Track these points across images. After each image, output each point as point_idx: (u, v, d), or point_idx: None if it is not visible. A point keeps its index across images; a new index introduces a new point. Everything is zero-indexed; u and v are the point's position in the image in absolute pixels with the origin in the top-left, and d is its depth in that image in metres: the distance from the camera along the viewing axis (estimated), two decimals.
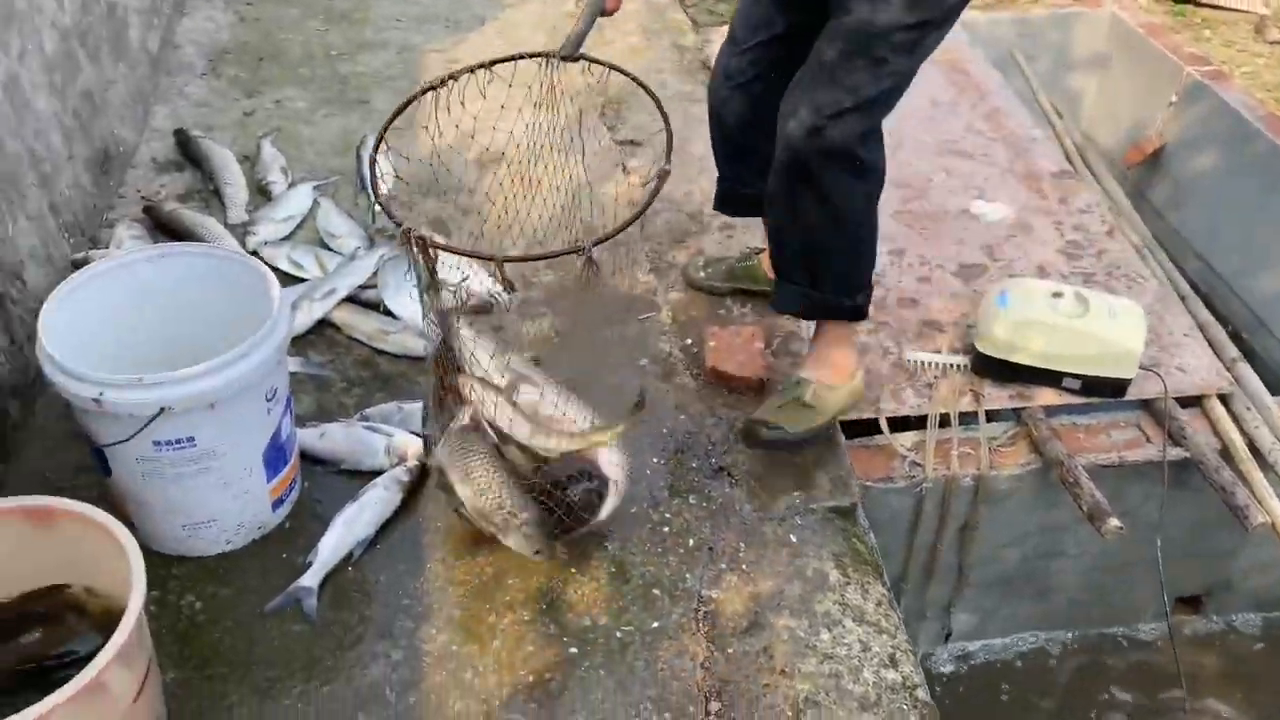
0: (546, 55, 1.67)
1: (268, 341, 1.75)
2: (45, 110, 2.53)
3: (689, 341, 2.44)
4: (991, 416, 2.43)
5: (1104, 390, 2.40)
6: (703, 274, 2.60)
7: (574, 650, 1.77)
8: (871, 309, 2.63)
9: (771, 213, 2.00)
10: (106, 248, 2.58)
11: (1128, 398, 2.42)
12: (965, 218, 3.01)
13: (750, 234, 2.73)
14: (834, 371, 2.15)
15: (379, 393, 2.29)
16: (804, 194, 1.90)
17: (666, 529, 1.99)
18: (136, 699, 1.47)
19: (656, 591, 1.87)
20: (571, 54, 1.68)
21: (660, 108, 1.55)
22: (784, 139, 1.86)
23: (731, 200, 2.38)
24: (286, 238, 2.74)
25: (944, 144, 3.34)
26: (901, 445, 2.35)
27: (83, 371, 1.65)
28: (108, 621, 1.48)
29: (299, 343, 2.38)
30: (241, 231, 2.72)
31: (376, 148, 1.67)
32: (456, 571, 1.90)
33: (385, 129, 1.66)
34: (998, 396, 2.43)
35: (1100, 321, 2.35)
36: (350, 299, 2.50)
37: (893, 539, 2.41)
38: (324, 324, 2.45)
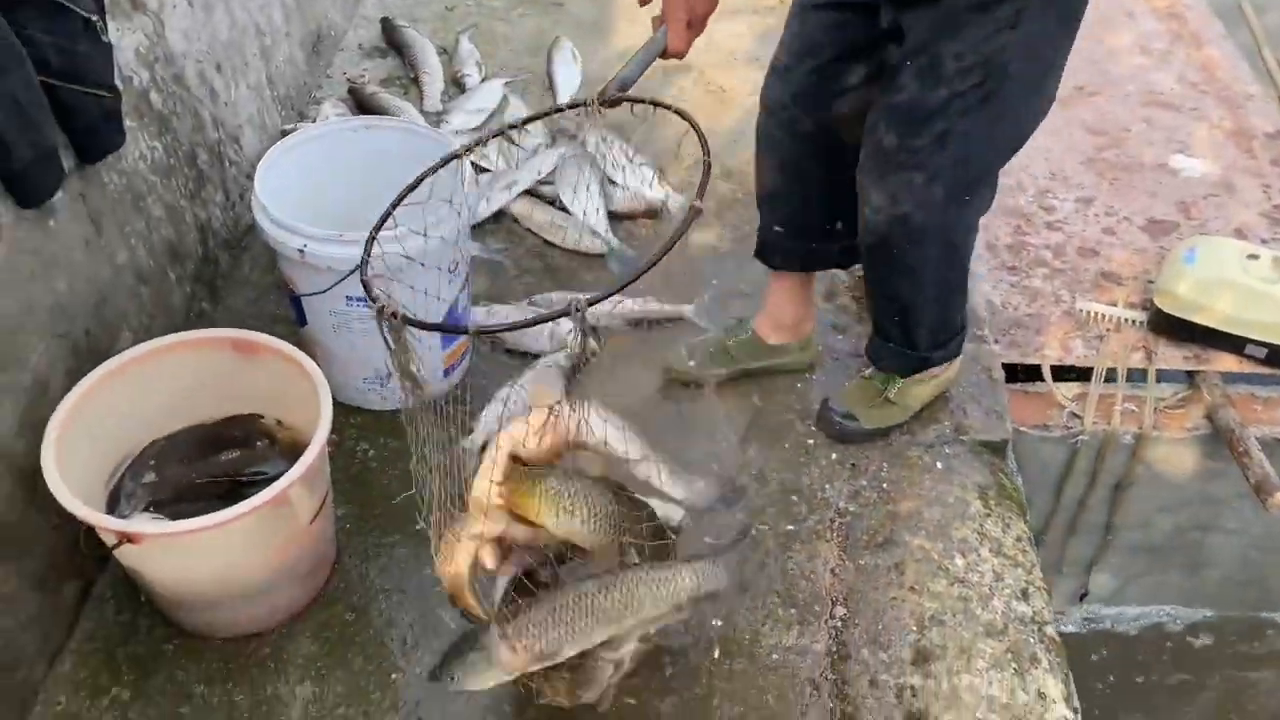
0: (584, 105, 1.50)
1: (453, 218, 1.86)
2: None
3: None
4: (1162, 377, 2.33)
5: None
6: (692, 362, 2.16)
7: (708, 540, 1.83)
8: (1049, 254, 2.59)
9: (866, 277, 1.93)
10: (313, 122, 2.76)
11: None
12: (1162, 171, 2.86)
13: None
14: None
15: (547, 282, 2.39)
16: (890, 271, 1.83)
17: (811, 441, 2.02)
18: (313, 520, 1.62)
19: (794, 498, 1.92)
20: (613, 99, 1.50)
21: (704, 145, 1.35)
22: (864, 223, 1.77)
23: (771, 250, 2.07)
24: (476, 129, 2.85)
25: (1149, 93, 3.16)
26: (1063, 395, 2.30)
27: (291, 224, 1.80)
28: (293, 451, 1.63)
29: (479, 229, 2.51)
30: (435, 119, 2.85)
31: (380, 225, 1.50)
32: None
33: (397, 203, 1.52)
34: (1172, 357, 2.34)
35: None
36: (529, 192, 2.60)
37: (1039, 491, 2.37)
38: (503, 214, 2.57)
